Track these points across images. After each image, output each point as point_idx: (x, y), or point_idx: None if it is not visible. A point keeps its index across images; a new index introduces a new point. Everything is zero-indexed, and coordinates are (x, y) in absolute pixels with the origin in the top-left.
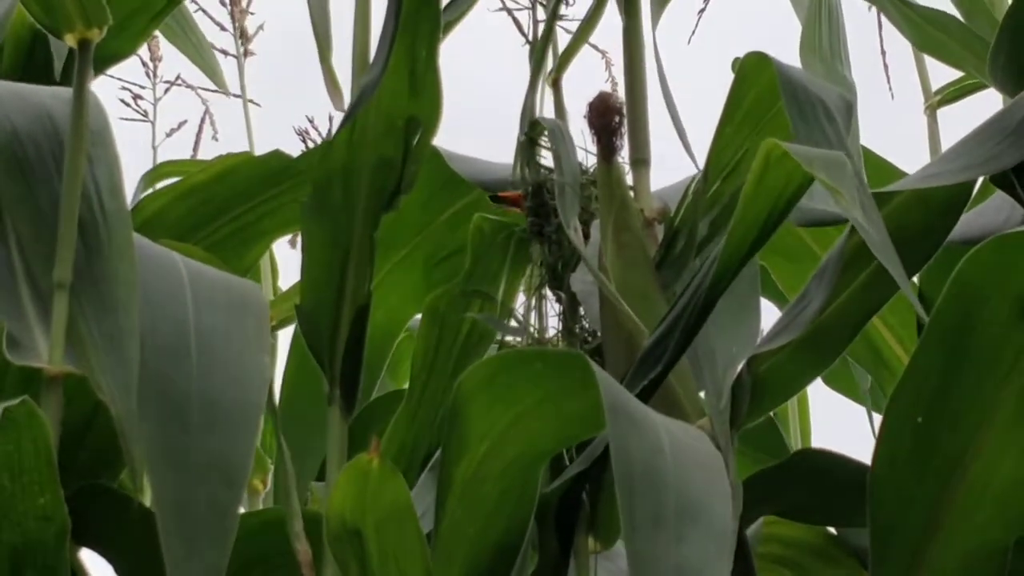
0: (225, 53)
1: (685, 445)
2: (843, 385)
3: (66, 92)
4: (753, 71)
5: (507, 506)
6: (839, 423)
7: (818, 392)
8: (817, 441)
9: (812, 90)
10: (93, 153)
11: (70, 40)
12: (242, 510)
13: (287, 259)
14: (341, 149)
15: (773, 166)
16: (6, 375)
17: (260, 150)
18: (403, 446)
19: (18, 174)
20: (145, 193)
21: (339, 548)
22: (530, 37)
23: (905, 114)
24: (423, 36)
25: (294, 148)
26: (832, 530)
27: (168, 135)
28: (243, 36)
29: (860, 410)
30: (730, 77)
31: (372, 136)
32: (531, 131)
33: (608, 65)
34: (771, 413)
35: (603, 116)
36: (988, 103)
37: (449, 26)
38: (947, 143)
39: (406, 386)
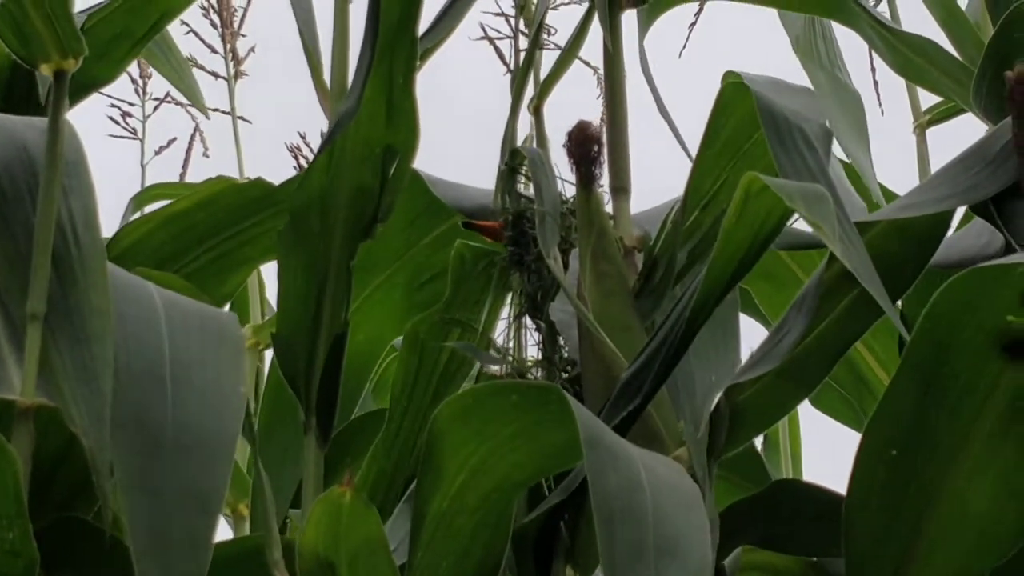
0: (216, 75)
1: (663, 479)
2: (837, 411)
3: (42, 122)
4: (732, 99)
5: (482, 538)
6: (834, 451)
7: (814, 419)
8: (811, 469)
9: (792, 119)
10: (68, 184)
11: (46, 70)
12: (230, 535)
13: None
14: (318, 177)
15: (753, 199)
16: None
17: (251, 169)
18: (382, 473)
19: None
20: (132, 217)
21: None
22: (511, 65)
23: (894, 133)
24: (400, 64)
25: (286, 165)
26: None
27: (157, 153)
28: (234, 58)
29: (854, 436)
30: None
31: (349, 164)
32: (512, 159)
33: (600, 82)
34: (757, 440)
35: (582, 145)
36: (978, 123)
37: (428, 53)
38: (936, 162)
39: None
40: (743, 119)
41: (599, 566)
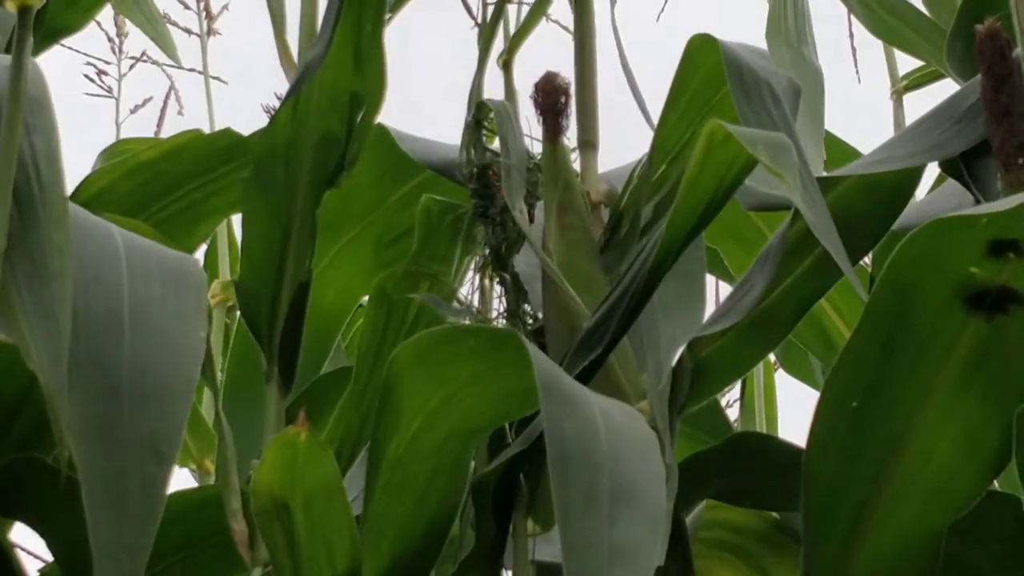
0: (188, 32)
1: (620, 426)
2: (805, 374)
3: (4, 59)
4: (699, 54)
5: (439, 485)
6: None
7: (790, 385)
8: (786, 434)
9: (759, 73)
10: (31, 122)
11: (10, 5)
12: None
13: None
14: (284, 125)
15: (716, 148)
16: None
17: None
18: (349, 428)
19: None
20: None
21: (266, 523)
22: (479, 19)
23: (871, 99)
24: (369, 10)
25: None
26: (776, 515)
27: (132, 111)
28: (207, 15)
29: None
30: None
31: (316, 112)
32: (478, 113)
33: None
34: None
35: (549, 96)
36: (954, 88)
37: (399, 3)
38: None
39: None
40: (710, 74)
41: None
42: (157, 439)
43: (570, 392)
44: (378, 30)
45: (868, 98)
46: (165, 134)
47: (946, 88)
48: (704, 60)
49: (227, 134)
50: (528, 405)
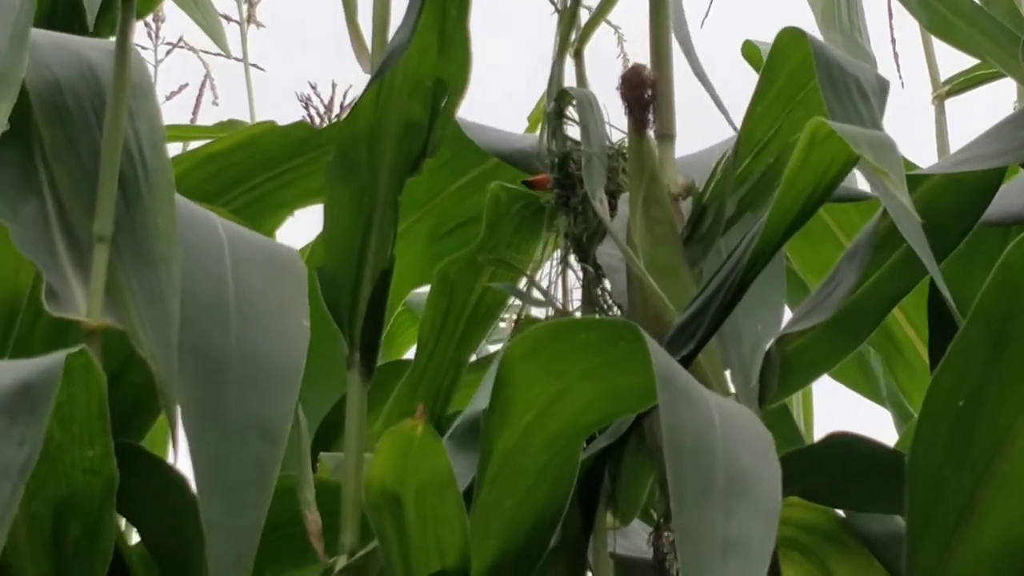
0: (228, 19)
1: (735, 421)
2: (850, 379)
3: (106, 44)
4: (788, 48)
5: (547, 480)
6: (838, 414)
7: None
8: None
9: (847, 68)
10: (134, 106)
11: None
12: None
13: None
14: (368, 110)
15: (818, 145)
16: (35, 327)
17: (262, 117)
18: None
19: (58, 124)
20: None
21: (377, 515)
22: (559, 5)
23: (911, 103)
24: None
25: (295, 114)
26: (842, 515)
27: (168, 98)
28: (248, 2)
29: (859, 401)
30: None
31: (399, 97)
32: (559, 101)
33: (620, 41)
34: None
35: (635, 89)
36: (996, 94)
37: None
38: (954, 133)
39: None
40: (797, 67)
41: (637, 513)
42: (266, 422)
43: (686, 384)
44: (464, 14)
45: (908, 101)
46: (200, 122)
47: (986, 92)
48: (792, 54)
49: (301, 127)
50: (639, 402)
